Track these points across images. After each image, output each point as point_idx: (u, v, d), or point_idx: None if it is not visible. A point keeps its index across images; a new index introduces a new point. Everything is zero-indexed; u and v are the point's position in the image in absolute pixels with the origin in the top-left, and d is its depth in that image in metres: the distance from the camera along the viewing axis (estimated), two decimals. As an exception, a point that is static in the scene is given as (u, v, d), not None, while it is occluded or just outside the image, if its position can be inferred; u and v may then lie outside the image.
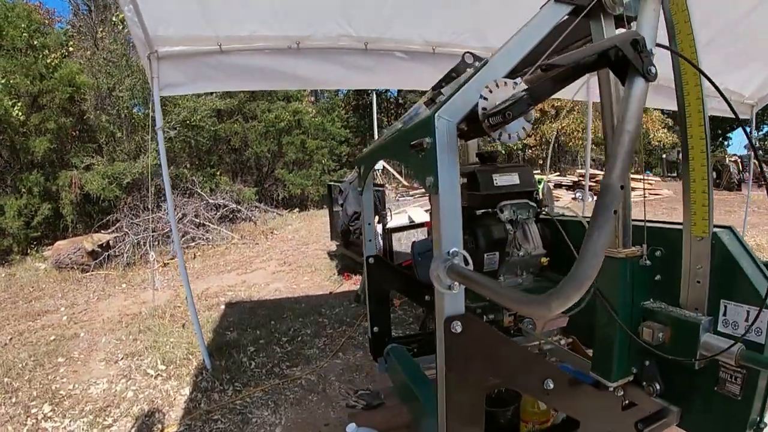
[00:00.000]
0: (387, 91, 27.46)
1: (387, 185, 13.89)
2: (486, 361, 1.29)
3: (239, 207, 13.75)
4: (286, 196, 18.06)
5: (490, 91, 1.14)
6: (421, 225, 6.34)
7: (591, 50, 1.02)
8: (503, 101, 1.11)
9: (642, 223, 1.45)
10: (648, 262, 1.47)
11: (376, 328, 2.52)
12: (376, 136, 15.78)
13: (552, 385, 1.31)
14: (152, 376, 4.30)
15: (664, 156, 24.53)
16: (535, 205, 2.04)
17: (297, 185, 17.66)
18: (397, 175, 16.32)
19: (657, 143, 22.89)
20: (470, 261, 1.21)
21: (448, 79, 2.53)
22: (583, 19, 1.30)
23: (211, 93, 14.18)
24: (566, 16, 1.33)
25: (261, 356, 4.55)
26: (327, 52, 3.76)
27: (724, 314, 1.33)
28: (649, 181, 16.56)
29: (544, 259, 2.03)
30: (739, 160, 20.23)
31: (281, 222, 14.11)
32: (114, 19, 13.33)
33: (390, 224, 6.21)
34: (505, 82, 1.16)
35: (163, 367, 4.43)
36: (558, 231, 1.91)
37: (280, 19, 3.47)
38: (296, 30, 3.58)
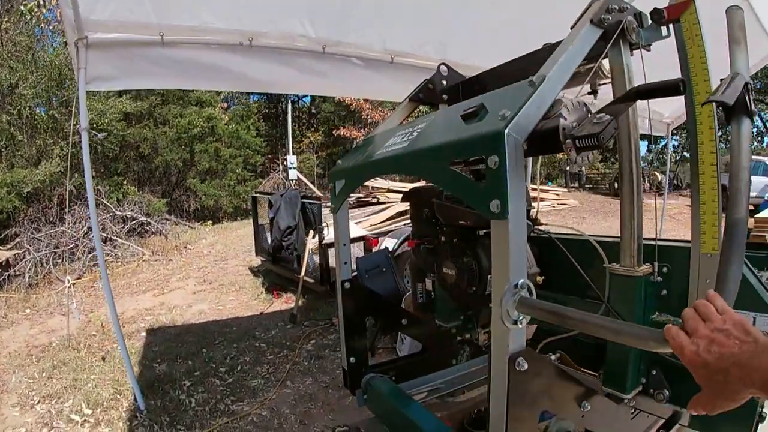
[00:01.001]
0: (301, 99, 26.91)
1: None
2: (544, 394, 1.27)
3: (149, 220, 12.69)
4: (198, 208, 17.03)
5: (568, 111, 1.07)
6: (360, 239, 6.17)
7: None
8: (588, 123, 1.08)
9: (653, 242, 1.55)
10: (659, 278, 1.58)
11: (352, 359, 2.32)
12: (290, 146, 15.42)
13: (588, 407, 1.36)
14: (78, 422, 3.74)
15: (567, 168, 26.41)
16: (530, 222, 2.02)
17: (210, 196, 16.72)
18: (311, 185, 16.02)
19: (564, 156, 24.52)
20: (534, 292, 1.13)
21: (425, 90, 2.43)
22: (603, 42, 1.37)
23: (121, 95, 13.01)
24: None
25: (200, 391, 4.11)
26: (281, 53, 3.49)
27: (730, 321, 1.46)
28: (556, 192, 17.75)
29: (539, 278, 1.99)
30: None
31: (194, 236, 13.22)
32: (21, 8, 11.74)
33: (327, 239, 6.00)
34: (577, 103, 1.11)
35: (89, 411, 3.86)
36: (551, 249, 1.93)
37: (238, 10, 3.17)
38: (253, 24, 3.29)
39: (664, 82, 1.11)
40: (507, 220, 1.06)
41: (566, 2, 1.78)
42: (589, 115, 1.14)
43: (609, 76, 1.73)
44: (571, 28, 1.37)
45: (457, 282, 1.84)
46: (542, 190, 16.60)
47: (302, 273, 5.79)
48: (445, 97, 2.37)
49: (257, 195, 8.05)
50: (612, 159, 30.35)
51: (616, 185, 21.36)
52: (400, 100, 3.45)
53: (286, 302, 6.55)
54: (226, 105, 20.80)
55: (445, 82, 2.40)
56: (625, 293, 1.55)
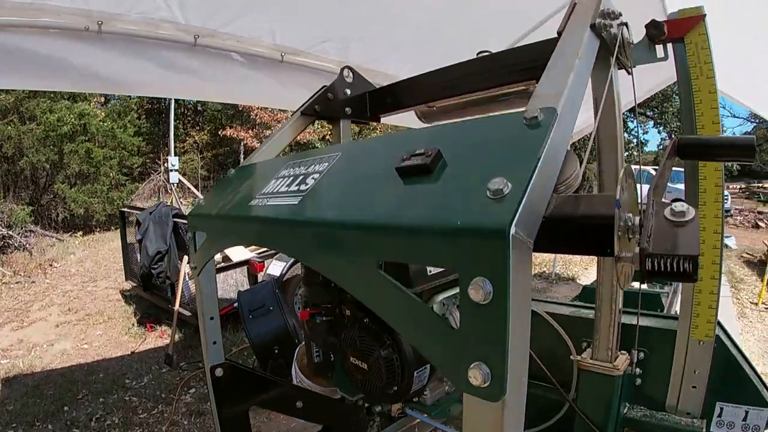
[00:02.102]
0: (187, 94, 24.68)
1: (180, 203, 12.42)
2: None
3: (11, 233, 10.83)
4: (68, 216, 14.98)
5: (623, 186, 0.58)
6: (242, 264, 5.36)
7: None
8: (663, 224, 0.62)
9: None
10: (639, 370, 1.35)
11: (235, 464, 1.71)
12: (172, 147, 13.98)
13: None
14: None
15: None
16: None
17: (80, 203, 14.70)
18: (194, 189, 14.74)
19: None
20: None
21: (323, 101, 1.90)
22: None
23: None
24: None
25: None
26: (139, 43, 2.65)
27: (720, 415, 1.29)
28: None
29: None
30: None
31: (62, 250, 11.55)
32: None
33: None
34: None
35: None
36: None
37: (83, -19, 2.33)
38: (103, 3, 2.45)
39: (734, 140, 0.83)
40: (502, 404, 0.53)
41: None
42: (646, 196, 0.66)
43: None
44: (559, 33, 0.88)
45: (370, 380, 1.33)
46: None
47: (176, 305, 4.89)
48: (348, 110, 1.88)
49: (125, 210, 6.84)
50: None
51: None
52: (291, 107, 2.82)
53: (160, 337, 5.61)
54: (104, 99, 18.50)
55: (348, 91, 1.91)
56: (599, 392, 1.27)
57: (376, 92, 1.90)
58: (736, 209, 17.53)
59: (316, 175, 0.96)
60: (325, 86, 1.83)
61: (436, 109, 1.91)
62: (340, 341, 1.41)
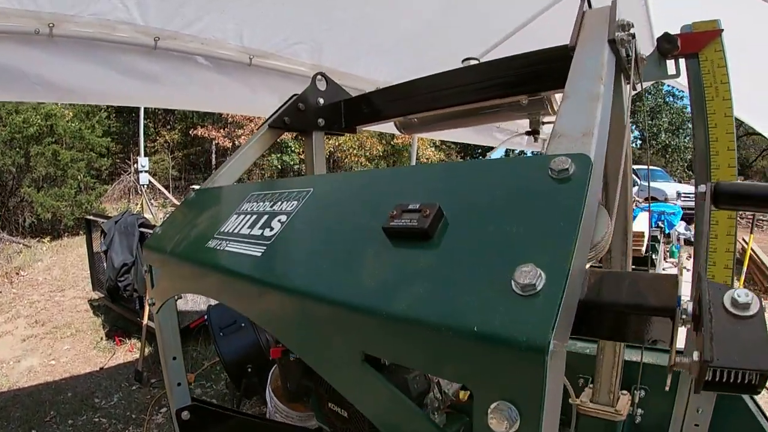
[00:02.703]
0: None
1: (151, 204, 12.03)
2: None
3: (-24, 241, 10.31)
4: (35, 221, 14.36)
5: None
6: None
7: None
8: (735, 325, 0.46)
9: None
10: (640, 410, 1.24)
11: None
12: (142, 147, 13.55)
13: None
14: None
15: None
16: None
17: (47, 207, 14.12)
18: (164, 191, 14.34)
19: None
20: None
21: (293, 112, 1.76)
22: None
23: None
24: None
25: None
26: (95, 47, 2.44)
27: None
28: None
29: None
30: None
31: (29, 257, 11.08)
32: None
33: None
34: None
35: None
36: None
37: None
38: (55, 4, 2.23)
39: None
40: None
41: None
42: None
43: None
44: (571, 50, 0.75)
45: (351, 429, 1.20)
46: None
47: (145, 318, 4.66)
48: (321, 121, 1.71)
49: (90, 218, 6.52)
50: None
51: None
52: (261, 115, 2.65)
53: (130, 350, 5.36)
54: (72, 97, 17.74)
55: (321, 100, 1.75)
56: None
57: (352, 101, 1.75)
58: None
59: (283, 217, 0.81)
60: (295, 95, 1.67)
61: (417, 120, 1.78)
62: (316, 385, 1.28)
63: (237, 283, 0.79)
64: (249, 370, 3.02)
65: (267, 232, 0.82)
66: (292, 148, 18.72)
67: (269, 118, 1.63)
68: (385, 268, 0.56)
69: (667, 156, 24.81)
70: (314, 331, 0.62)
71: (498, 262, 0.46)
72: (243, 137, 17.97)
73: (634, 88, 0.93)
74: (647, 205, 13.17)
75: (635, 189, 16.23)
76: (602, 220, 0.56)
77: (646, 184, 17.35)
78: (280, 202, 0.90)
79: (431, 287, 0.50)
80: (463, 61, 1.47)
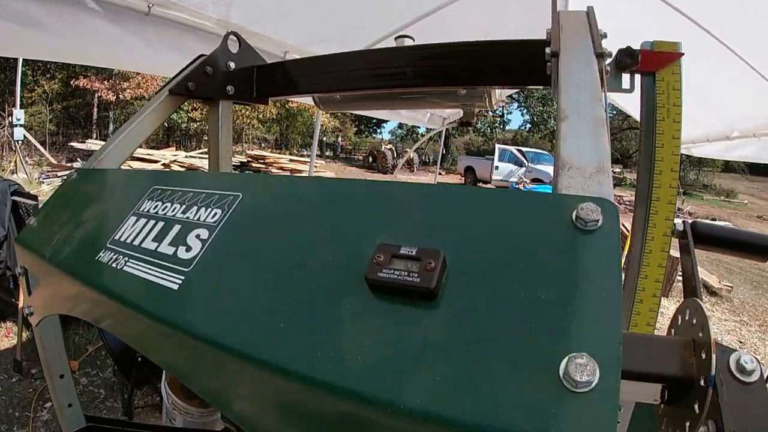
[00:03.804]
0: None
1: (26, 162, 10.70)
2: None
3: None
4: None
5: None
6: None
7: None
8: None
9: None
10: None
11: None
12: (18, 98, 11.88)
13: None
14: None
15: (323, 138, 26.80)
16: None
17: None
18: (41, 147, 12.82)
19: (321, 125, 23.76)
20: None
21: (198, 76, 1.54)
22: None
23: None
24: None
25: None
26: None
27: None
28: (316, 164, 17.78)
29: None
30: (393, 148, 23.94)
31: None
32: None
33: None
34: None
35: None
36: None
37: None
38: None
39: (750, 238, 0.76)
40: None
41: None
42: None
43: (494, 107, 1.26)
44: (554, 55, 0.67)
45: None
46: (297, 161, 16.40)
47: (21, 300, 4.08)
48: (230, 89, 1.50)
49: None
50: (367, 132, 32.30)
51: (370, 158, 23.08)
52: (161, 73, 2.32)
53: (6, 336, 4.73)
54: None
55: (232, 65, 1.51)
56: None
57: (267, 69, 1.55)
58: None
59: (203, 233, 0.65)
60: (202, 56, 1.43)
61: (340, 97, 1.64)
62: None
63: (143, 322, 0.61)
64: (139, 359, 2.73)
65: (183, 253, 0.65)
66: (181, 106, 17.41)
67: (169, 82, 1.40)
68: (377, 339, 0.43)
69: (554, 141, 26.59)
70: (270, 414, 0.49)
71: (540, 346, 0.37)
72: (128, 90, 16.29)
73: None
74: (534, 186, 14.07)
75: (522, 170, 17.32)
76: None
77: (534, 166, 18.44)
78: (195, 207, 0.73)
79: (450, 373, 0.38)
80: (396, 38, 1.35)
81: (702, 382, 0.43)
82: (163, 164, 12.37)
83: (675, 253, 1.04)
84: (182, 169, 12.29)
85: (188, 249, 0.66)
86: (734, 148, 4.45)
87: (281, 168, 15.16)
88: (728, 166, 26.01)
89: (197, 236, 0.67)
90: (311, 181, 0.71)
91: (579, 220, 0.43)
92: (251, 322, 0.52)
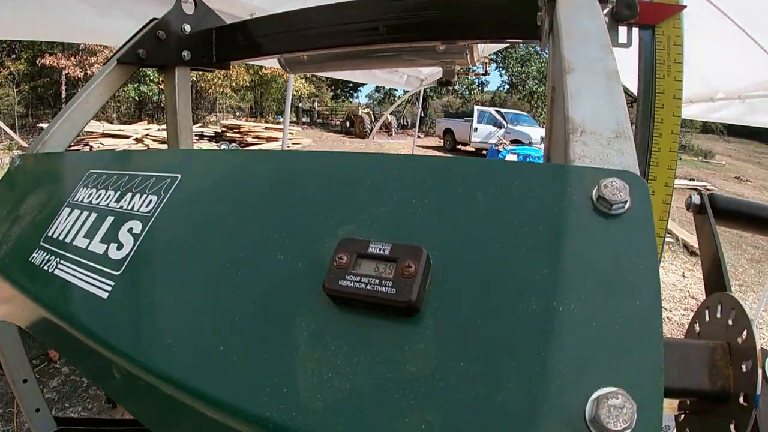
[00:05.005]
0: None
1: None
2: None
3: None
4: None
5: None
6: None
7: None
8: None
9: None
10: None
11: None
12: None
13: None
14: None
15: (299, 105, 26.17)
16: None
17: None
18: (9, 131, 12.25)
19: (295, 92, 23.06)
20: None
21: (150, 42, 1.41)
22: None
23: None
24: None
25: None
26: None
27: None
28: (291, 130, 17.34)
29: None
30: (371, 112, 23.55)
31: None
32: None
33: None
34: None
35: None
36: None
37: None
38: None
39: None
40: None
41: None
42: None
43: (476, 64, 1.22)
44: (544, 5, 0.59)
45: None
46: (273, 128, 16.03)
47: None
48: (186, 54, 1.37)
49: None
50: (343, 97, 31.75)
51: (348, 123, 22.72)
52: (114, 43, 2.13)
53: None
54: None
55: (188, 27, 1.37)
56: None
57: (226, 30, 1.42)
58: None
59: (136, 225, 0.54)
60: (154, 19, 1.30)
61: (307, 57, 1.51)
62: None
63: (73, 336, 0.50)
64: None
65: (114, 252, 0.54)
66: (151, 77, 16.70)
67: (117, 50, 1.28)
68: (340, 370, 0.33)
69: (533, 102, 26.47)
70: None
71: (558, 381, 0.27)
72: (96, 66, 15.62)
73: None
74: (514, 147, 14.00)
75: (501, 131, 17.24)
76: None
77: (512, 127, 18.30)
78: (130, 194, 0.61)
79: (435, 419, 0.28)
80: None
81: (742, 399, 0.35)
82: (135, 139, 11.97)
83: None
84: (156, 145, 11.91)
85: (119, 247, 0.55)
86: (716, 109, 4.43)
87: (257, 137, 14.80)
88: (706, 127, 26.24)
89: (129, 230, 0.56)
90: (259, 157, 0.60)
91: (602, 201, 0.32)
92: (185, 342, 0.41)
